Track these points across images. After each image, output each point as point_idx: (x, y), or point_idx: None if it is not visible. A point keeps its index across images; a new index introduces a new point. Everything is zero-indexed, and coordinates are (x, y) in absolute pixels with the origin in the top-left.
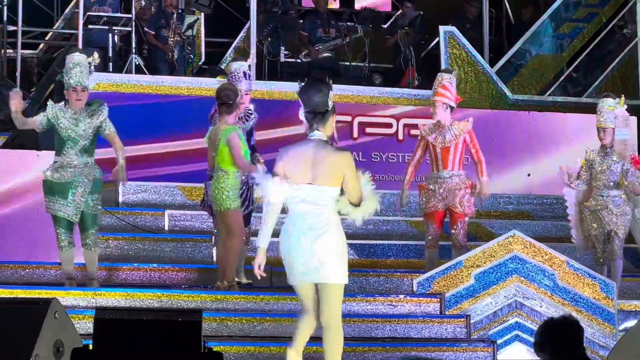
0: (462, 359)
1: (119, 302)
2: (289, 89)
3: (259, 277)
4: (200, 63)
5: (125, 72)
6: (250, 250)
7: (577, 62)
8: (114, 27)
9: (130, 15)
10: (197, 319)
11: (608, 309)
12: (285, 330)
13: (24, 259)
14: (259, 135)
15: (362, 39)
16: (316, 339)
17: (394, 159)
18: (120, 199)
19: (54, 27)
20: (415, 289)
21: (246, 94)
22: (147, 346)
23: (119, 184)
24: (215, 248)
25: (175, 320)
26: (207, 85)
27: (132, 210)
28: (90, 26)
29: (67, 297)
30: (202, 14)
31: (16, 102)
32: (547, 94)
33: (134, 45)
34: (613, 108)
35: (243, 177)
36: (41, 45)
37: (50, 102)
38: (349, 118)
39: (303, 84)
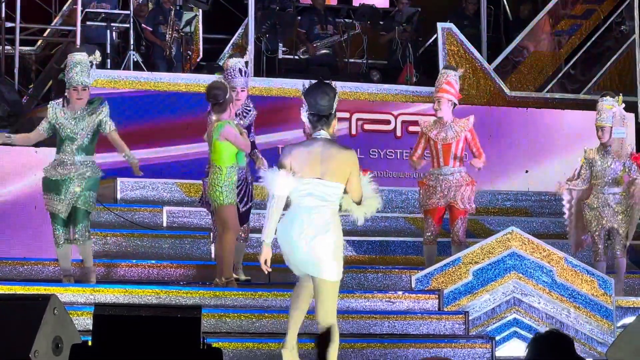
0: (461, 355)
1: (118, 299)
2: (287, 85)
3: (267, 272)
4: (198, 59)
5: (123, 69)
6: (249, 246)
7: (575, 59)
8: (112, 24)
9: (128, 12)
10: (196, 315)
11: (606, 305)
12: (284, 326)
13: (22, 256)
14: (257, 132)
15: (360, 36)
16: (312, 336)
17: (392, 156)
18: (119, 196)
19: (52, 24)
20: (413, 285)
21: (242, 91)
22: (146, 342)
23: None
24: (213, 244)
25: (174, 317)
26: (205, 82)
27: (130, 206)
28: (88, 23)
29: (66, 294)
30: (200, 10)
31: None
32: (545, 90)
33: (131, 42)
34: (611, 107)
35: (242, 174)
36: (39, 42)
37: (50, 102)
38: (347, 115)
39: (309, 85)
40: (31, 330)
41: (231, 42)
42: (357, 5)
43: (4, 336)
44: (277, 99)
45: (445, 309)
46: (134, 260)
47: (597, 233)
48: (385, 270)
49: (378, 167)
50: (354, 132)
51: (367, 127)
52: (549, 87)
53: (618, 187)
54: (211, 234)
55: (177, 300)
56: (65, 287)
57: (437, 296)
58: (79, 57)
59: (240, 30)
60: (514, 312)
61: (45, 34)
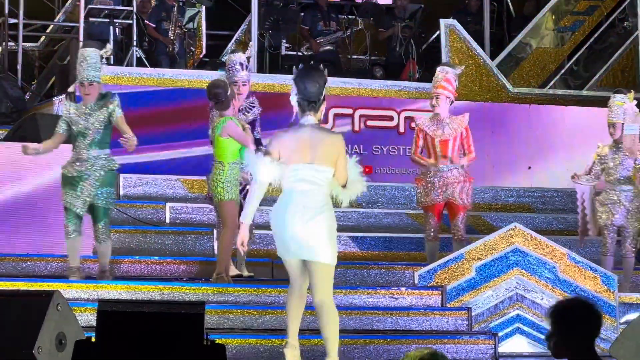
0: (464, 351)
1: (121, 295)
2: (290, 82)
3: (242, 253)
4: (201, 56)
5: (126, 65)
6: (252, 243)
7: (577, 55)
8: (115, 20)
9: (131, 8)
10: (199, 311)
11: (609, 301)
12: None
13: (25, 251)
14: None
15: (363, 32)
16: (314, 332)
17: (395, 152)
18: (122, 192)
19: (55, 20)
20: (416, 281)
21: (243, 85)
22: (149, 338)
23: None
24: (217, 241)
25: (177, 313)
26: (208, 78)
27: (133, 203)
28: (91, 19)
29: (70, 290)
30: (203, 6)
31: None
32: (548, 87)
33: (135, 38)
34: (623, 103)
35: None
36: (42, 38)
37: (64, 101)
38: (350, 111)
39: (299, 70)
40: (35, 326)
41: (234, 38)
42: (360, 1)
43: (7, 332)
44: (280, 95)
45: (448, 305)
46: (137, 257)
47: (606, 227)
48: (388, 267)
49: (381, 164)
50: (357, 128)
51: (370, 123)
52: (552, 83)
53: (630, 185)
54: (215, 230)
55: (181, 297)
56: (69, 284)
57: (440, 292)
58: (86, 52)
59: (243, 27)
60: (517, 308)
61: (48, 30)
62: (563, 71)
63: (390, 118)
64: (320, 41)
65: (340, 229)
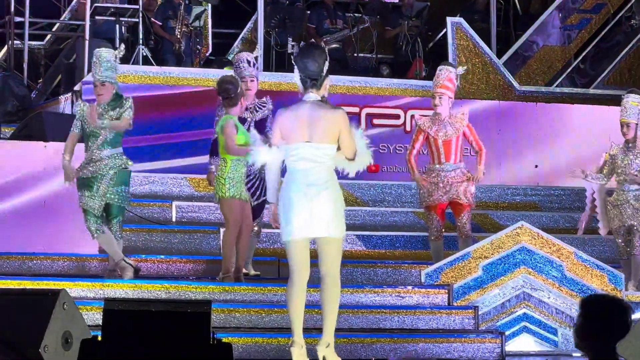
0: (470, 350)
1: (127, 294)
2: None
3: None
4: (207, 54)
5: (132, 64)
6: (260, 242)
7: (584, 53)
8: (121, 18)
9: (137, 7)
10: (206, 310)
11: None
12: None
13: (30, 250)
14: None
15: (369, 30)
16: (320, 330)
17: (401, 150)
18: None
19: (61, 18)
20: (423, 280)
21: (252, 81)
22: (155, 337)
23: None
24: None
25: (184, 312)
26: (215, 77)
27: (139, 201)
28: (97, 17)
29: (76, 289)
30: (210, 4)
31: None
32: (555, 85)
33: (141, 37)
34: (637, 103)
35: (254, 168)
36: (48, 37)
37: (78, 102)
38: (356, 109)
39: (300, 48)
40: (41, 325)
41: (240, 36)
42: None
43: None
44: (287, 94)
45: (455, 304)
46: (144, 255)
47: (617, 230)
48: (395, 265)
49: (387, 162)
50: (363, 126)
51: (376, 121)
52: (559, 81)
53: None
54: (221, 229)
55: (187, 295)
56: (75, 282)
57: (446, 291)
58: (99, 53)
59: (249, 25)
60: (524, 307)
61: (54, 29)
62: (570, 69)
63: (397, 116)
64: (326, 39)
65: (347, 227)
